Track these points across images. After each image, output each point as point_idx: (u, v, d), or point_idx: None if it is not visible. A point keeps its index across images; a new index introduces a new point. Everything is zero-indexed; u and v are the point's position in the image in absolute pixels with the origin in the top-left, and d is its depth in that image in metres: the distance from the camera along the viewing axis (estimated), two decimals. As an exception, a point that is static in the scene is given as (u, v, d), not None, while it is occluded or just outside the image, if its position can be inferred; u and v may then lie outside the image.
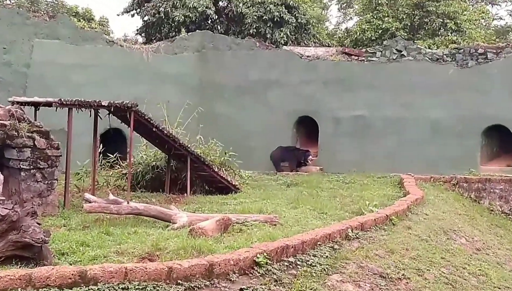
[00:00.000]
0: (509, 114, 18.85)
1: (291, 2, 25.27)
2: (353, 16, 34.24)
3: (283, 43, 24.68)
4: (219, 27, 26.02)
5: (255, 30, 25.05)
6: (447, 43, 23.87)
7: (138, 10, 27.58)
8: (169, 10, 25.67)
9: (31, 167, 11.58)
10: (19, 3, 24.18)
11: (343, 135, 20.67)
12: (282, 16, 25.06)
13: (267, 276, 7.81)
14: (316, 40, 27.22)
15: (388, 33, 25.56)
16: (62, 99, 12.60)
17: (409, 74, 20.13)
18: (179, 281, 6.96)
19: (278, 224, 11.02)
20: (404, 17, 26.18)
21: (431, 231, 12.13)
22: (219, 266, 7.38)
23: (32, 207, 8.36)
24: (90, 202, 11.64)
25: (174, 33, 25.46)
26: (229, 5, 26.22)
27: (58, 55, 20.50)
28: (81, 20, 25.95)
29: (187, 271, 7.08)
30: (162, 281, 6.85)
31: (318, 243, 9.17)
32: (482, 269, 11.31)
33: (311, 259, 8.66)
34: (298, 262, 8.43)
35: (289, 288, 7.79)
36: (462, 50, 20.07)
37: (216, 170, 15.66)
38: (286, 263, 8.26)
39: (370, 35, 26.05)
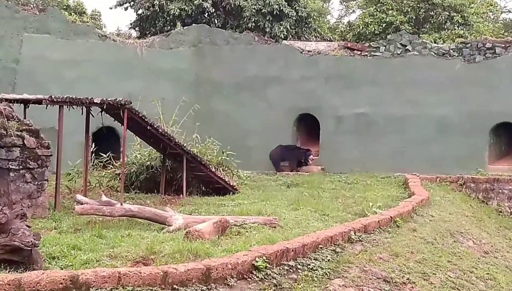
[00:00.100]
0: (518, 112, 18.91)
1: (291, -6, 25.30)
2: (356, 9, 34.25)
3: (282, 37, 24.69)
4: (216, 20, 26.01)
5: (253, 24, 25.06)
6: (454, 37, 23.90)
7: (132, 3, 27.56)
8: (164, 3, 25.68)
9: (21, 167, 11.56)
10: (8, -4, 24.18)
11: (345, 134, 20.68)
12: (282, 9, 25.07)
13: (266, 280, 7.82)
14: (317, 35, 27.23)
15: (392, 27, 25.59)
16: (53, 96, 12.60)
17: (414, 69, 20.13)
18: (174, 286, 6.96)
19: (278, 226, 11.02)
20: (409, 10, 26.20)
21: (437, 234, 12.14)
22: (216, 270, 7.39)
23: (22, 209, 8.36)
24: (82, 204, 11.63)
25: (169, 27, 25.47)
26: (226, -2, 26.24)
27: (49, 50, 20.47)
28: (72, 13, 25.97)
29: (183, 275, 7.09)
30: (157, 286, 6.85)
31: (320, 246, 9.18)
32: (490, 273, 11.32)
33: (312, 262, 8.67)
34: (299, 266, 8.43)
35: (289, 293, 7.80)
36: (469, 44, 20.08)
37: (213, 170, 15.66)
38: (286, 267, 8.26)
39: (373, 29, 26.07)
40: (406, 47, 20.49)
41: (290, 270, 8.28)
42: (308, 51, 21.65)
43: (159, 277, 6.90)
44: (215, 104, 21.89)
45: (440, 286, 9.78)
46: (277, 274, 8.02)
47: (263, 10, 25.03)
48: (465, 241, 12.62)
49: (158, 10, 25.94)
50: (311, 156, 20.60)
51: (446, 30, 25.89)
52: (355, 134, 20.59)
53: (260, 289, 7.61)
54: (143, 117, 14.02)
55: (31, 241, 7.70)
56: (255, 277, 7.75)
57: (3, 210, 7.81)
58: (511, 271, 12.09)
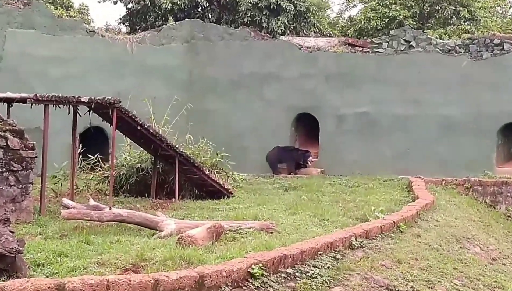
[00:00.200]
0: (528, 111, 18.95)
1: (289, -12, 25.32)
2: (357, 3, 34.24)
3: (280, 33, 24.72)
4: (210, 15, 26.07)
5: (249, 19, 25.09)
6: (460, 33, 23.96)
7: (122, -4, 27.60)
8: (156, -3, 25.70)
9: (4, 169, 11.54)
10: (-10, -11, 24.16)
11: (346, 134, 20.70)
12: (279, 4, 25.09)
13: (262, 288, 7.82)
14: (317, 30, 27.28)
15: (396, 22, 25.64)
16: (38, 95, 12.58)
17: (419, 67, 20.16)
18: (166, 294, 6.96)
19: (275, 231, 11.02)
20: (413, 4, 26.26)
21: (443, 239, 12.15)
22: (210, 278, 7.38)
23: (5, 214, 8.34)
24: (68, 208, 11.62)
25: (160, 22, 25.50)
26: (221, -9, 26.29)
27: (33, 46, 20.47)
28: (59, 7, 25.98)
29: (175, 283, 7.08)
30: (148, 294, 6.85)
31: (319, 252, 9.18)
32: (498, 280, 11.33)
33: (311, 270, 8.67)
34: (297, 274, 8.43)
35: (287, 302, 7.81)
36: (477, 40, 20.10)
37: (207, 172, 15.66)
38: (283, 275, 8.26)
39: (375, 24, 26.12)
40: (410, 44, 20.52)
41: (288, 278, 8.28)
42: (307, 47, 21.67)
43: (149, 285, 6.90)
44: (209, 103, 21.89)
45: (445, 295, 9.79)
46: (274, 282, 8.02)
47: (260, 4, 25.06)
48: (471, 247, 12.63)
49: (149, 4, 25.97)
50: (310, 158, 20.61)
51: (452, 26, 25.95)
52: (356, 135, 20.61)
53: (256, 298, 7.61)
54: (133, 117, 14.01)
55: (15, 248, 7.69)
56: (251, 286, 7.75)
57: (-15, 215, 7.79)
58: (520, 278, 12.11)
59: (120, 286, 6.74)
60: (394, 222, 11.73)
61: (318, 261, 8.98)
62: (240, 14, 25.35)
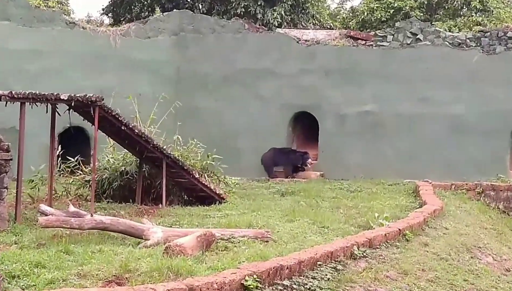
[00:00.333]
0: (544, 110, 19.00)
1: (286, -24, 25.34)
2: (360, -7, 34.33)
3: (276, 25, 24.72)
4: (200, 6, 26.06)
5: (243, 10, 25.08)
6: (471, 25, 23.98)
7: (104, -15, 27.59)
8: (141, -14, 25.70)
9: (-24, 172, 11.52)
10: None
11: (348, 135, 20.71)
12: (276, -7, 25.11)
13: (257, 302, 7.82)
14: (316, 22, 27.28)
15: (401, 13, 25.66)
16: (13, 92, 12.53)
17: (426, 62, 20.18)
18: (152, 309, 6.95)
19: (271, 240, 11.03)
20: (420, -6, 26.28)
21: (452, 249, 12.16)
22: (201, 290, 7.37)
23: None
24: (46, 215, 11.59)
25: (147, 13, 25.51)
26: (212, -20, 26.29)
27: (9, 39, 20.43)
28: (36, -3, 25.89)
29: (162, 297, 7.07)
30: (132, 309, 6.84)
31: (318, 262, 9.17)
32: (512, 293, 11.37)
33: (310, 282, 8.65)
34: (295, 286, 8.42)
35: (283, 316, 7.80)
36: (489, 33, 20.15)
37: (197, 176, 15.65)
38: (280, 287, 8.25)
39: (379, 15, 26.14)
40: (417, 36, 20.54)
41: (285, 290, 8.27)
42: (306, 40, 21.68)
43: (134, 298, 6.89)
44: (199, 101, 21.88)
45: (455, 309, 9.81)
46: (269, 295, 8.02)
47: (254, -6, 25.07)
48: (483, 257, 12.64)
49: (134, -6, 25.95)
50: (309, 160, 20.61)
51: (462, 17, 25.98)
52: (358, 135, 20.62)
53: (250, 312, 7.61)
54: (117, 116, 13.98)
55: (-12, 258, 7.67)
56: (245, 299, 7.75)
57: (-45, 222, 7.77)
58: (535, 291, 12.13)
59: (102, 300, 6.72)
60: (399, 229, 11.73)
61: (317, 272, 8.97)
62: (233, 5, 25.35)
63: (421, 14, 25.65)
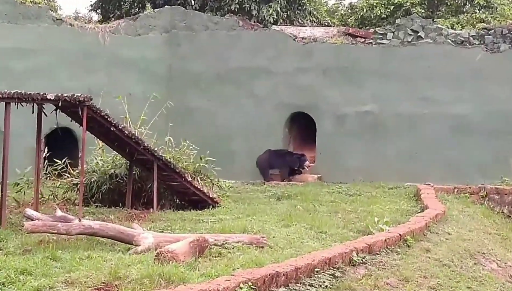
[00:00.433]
0: (550, 110, 19.04)
1: (282, -29, 25.32)
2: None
3: (272, 22, 24.70)
4: (193, 2, 26.02)
5: (237, 6, 25.06)
6: (474, 22, 24.00)
7: (93, -20, 27.56)
8: (131, -19, 25.68)
9: (-41, 176, 11.50)
10: None
11: (347, 136, 20.72)
12: (271, -11, 25.09)
13: (252, 310, 7.82)
14: (313, 19, 27.27)
15: (402, 10, 25.67)
16: (-2, 92, 12.54)
17: (428, 60, 20.21)
18: (143, 317, 6.96)
19: (266, 246, 11.03)
20: (422, -10, 26.30)
21: (455, 255, 12.17)
22: (193, 298, 7.38)
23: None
24: (32, 220, 11.57)
25: (137, 10, 25.45)
26: (205, -25, 26.25)
27: (-7, 36, 20.40)
28: (22, -7, 25.86)
29: (153, 305, 7.07)
30: (122, 318, 6.84)
31: (316, 269, 9.18)
32: (517, 300, 11.39)
33: (307, 289, 8.66)
34: (291, 294, 8.45)
35: (279, 325, 7.80)
36: (493, 30, 20.18)
37: (190, 179, 15.64)
38: (276, 295, 8.27)
39: (379, 12, 26.14)
40: (418, 34, 20.57)
41: (281, 298, 8.29)
42: (302, 38, 21.69)
43: (124, 307, 6.89)
44: (192, 101, 21.87)
45: (458, 317, 9.82)
46: (265, 303, 8.02)
47: (249, -10, 25.05)
48: (487, 264, 12.66)
49: (124, -11, 25.92)
50: (307, 163, 20.62)
51: (465, 14, 26.00)
52: (358, 136, 20.64)
53: (245, 321, 7.61)
54: (106, 117, 13.97)
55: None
56: (239, 307, 7.75)
57: None
58: (541, 298, 12.15)
59: (90, 308, 6.72)
60: (400, 235, 11.74)
61: (314, 279, 8.98)
62: (227, 1, 25.32)
63: (423, 10, 25.67)
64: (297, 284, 8.67)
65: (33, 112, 13.50)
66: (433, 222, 13.44)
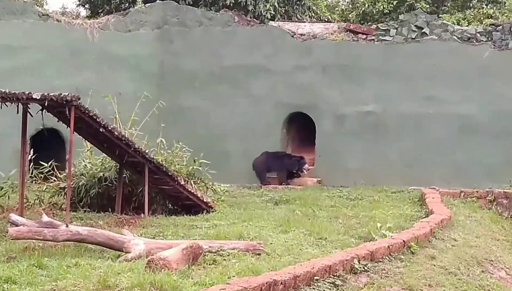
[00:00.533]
0: (561, 110, 19.07)
1: (280, -36, 25.34)
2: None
3: (269, 17, 24.73)
4: (186, -4, 26.01)
5: (233, 1, 25.07)
6: (482, 18, 24.04)
7: (81, -26, 27.57)
8: (121, -25, 25.69)
9: None
10: None
11: (347, 137, 20.72)
12: (268, -17, 25.11)
13: (248, 321, 7.82)
14: (313, 14, 27.31)
15: (406, 5, 25.74)
16: (-19, 91, 12.52)
17: (433, 58, 20.22)
18: (133, 328, 6.95)
19: (263, 253, 11.03)
20: (426, -16, 26.35)
21: (461, 262, 12.18)
22: (186, 308, 7.38)
23: None
24: (17, 225, 11.55)
25: (127, 5, 25.47)
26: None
27: (-24, 33, 20.39)
28: (6, -13, 25.85)
29: (144, 315, 7.06)
30: (112, 328, 6.83)
31: (316, 277, 9.18)
32: (527, 310, 11.39)
33: (306, 298, 8.68)
34: (289, 303, 8.45)
35: (277, 336, 7.80)
36: (501, 27, 20.20)
37: (183, 182, 15.63)
38: (273, 304, 8.27)
39: (382, 7, 26.21)
40: (423, 30, 20.58)
41: (279, 307, 8.29)
42: (301, 34, 21.70)
43: (114, 317, 6.88)
44: (185, 100, 21.88)
45: (464, 327, 9.83)
46: (262, 313, 8.02)
47: (245, -16, 25.06)
48: (495, 271, 12.67)
49: (113, -17, 25.92)
50: (306, 166, 20.62)
51: (472, 9, 26.06)
52: (359, 138, 20.64)
53: (240, 332, 7.61)
54: (95, 117, 13.96)
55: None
56: (235, 317, 7.76)
57: None
58: (552, 308, 12.16)
59: (78, 319, 6.71)
60: (404, 241, 11.75)
61: (314, 288, 8.98)
62: (222, -5, 25.34)
63: (427, 6, 25.73)
64: (296, 293, 8.69)
65: (17, 112, 13.47)
66: (438, 227, 13.45)
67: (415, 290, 10.25)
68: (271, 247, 11.51)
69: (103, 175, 16.14)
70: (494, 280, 12.10)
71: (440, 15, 23.43)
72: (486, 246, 13.90)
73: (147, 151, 15.39)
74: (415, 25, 20.67)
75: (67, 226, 11.70)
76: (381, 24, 22.09)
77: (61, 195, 16.03)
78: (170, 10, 22.72)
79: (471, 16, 25.24)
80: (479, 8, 25.92)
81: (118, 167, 15.79)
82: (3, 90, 12.69)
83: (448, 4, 27.07)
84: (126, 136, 15.13)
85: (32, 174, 16.84)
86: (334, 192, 18.68)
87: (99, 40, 21.90)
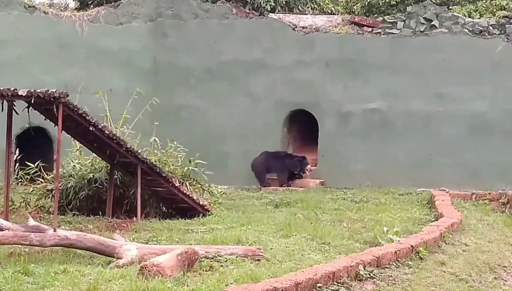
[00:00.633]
0: None
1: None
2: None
3: (269, 9, 24.71)
4: (181, -13, 26.00)
5: (230, -8, 25.07)
6: (494, 10, 24.03)
7: (69, -37, 27.56)
8: (112, -36, 25.66)
9: None
10: None
11: (352, 137, 20.72)
12: (268, -28, 25.11)
13: (247, 331, 7.82)
14: (315, 6, 27.31)
15: (414, -4, 25.70)
16: (-37, 87, 12.52)
17: (442, 52, 20.22)
18: (125, 338, 6.94)
19: (263, 258, 11.03)
20: (436, -27, 26.34)
21: (473, 268, 12.17)
22: (181, 317, 7.37)
23: None
24: (1, 230, 11.55)
25: (118, -4, 25.40)
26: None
27: (-42, 26, 20.39)
28: (-10, -23, 25.84)
29: (136, 324, 7.06)
30: (102, 339, 6.83)
31: (318, 284, 9.18)
32: (542, 319, 11.38)
33: (308, 307, 8.68)
34: (291, 312, 8.45)
35: None
36: (515, 19, 20.23)
37: (177, 184, 15.63)
38: (273, 313, 8.27)
39: (389, -2, 26.17)
40: (432, 23, 20.58)
41: (279, 316, 8.29)
42: (303, 27, 21.69)
43: (104, 326, 6.87)
44: (180, 97, 21.87)
45: (476, 338, 9.84)
46: (261, 323, 8.02)
47: (243, -26, 25.07)
48: (509, 278, 12.66)
49: (104, -27, 25.91)
50: (308, 166, 20.61)
51: (484, 1, 26.03)
52: (364, 137, 20.64)
53: None
54: (84, 115, 13.95)
55: None
56: (233, 327, 7.76)
57: None
58: None
59: (67, 328, 6.71)
60: (412, 246, 11.75)
61: (316, 296, 8.98)
62: (219, -14, 25.34)
63: (437, -4, 25.73)
64: (298, 301, 8.69)
65: (2, 109, 13.46)
66: (448, 231, 13.45)
67: (424, 298, 10.27)
68: (271, 253, 11.51)
69: (93, 176, 16.12)
70: (507, 287, 12.09)
71: (450, 7, 23.44)
72: (499, 251, 13.89)
73: (139, 151, 15.39)
74: (423, 17, 20.66)
75: (54, 230, 11.69)
76: (388, 16, 22.09)
77: (49, 197, 16.02)
78: (164, 1, 22.70)
79: (483, 8, 25.23)
80: (492, 0, 25.90)
81: (109, 168, 15.79)
82: (-14, 87, 12.71)
83: (459, -5, 27.08)
84: (118, 135, 15.13)
85: (17, 175, 16.85)
86: (338, 194, 18.68)
87: (88, 33, 21.88)
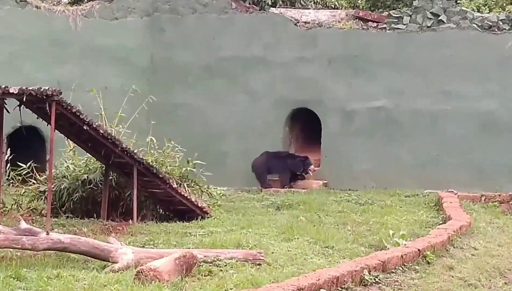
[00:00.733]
0: None
1: None
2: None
3: (270, 3, 24.69)
4: (178, -20, 26.00)
5: (230, -14, 25.06)
6: (504, 4, 24.02)
7: (62, -44, 27.54)
8: (107, -43, 25.65)
9: None
10: None
11: (356, 136, 20.72)
12: (269, -35, 25.10)
13: (248, 338, 7.82)
14: (318, 0, 27.28)
15: (420, -10, 25.70)
16: (-48, 85, 12.52)
17: (450, 48, 20.21)
18: None
19: (264, 263, 11.03)
20: (443, -34, 26.35)
21: (482, 273, 12.16)
22: (180, 324, 7.37)
23: None
24: (-8, 233, 11.56)
25: (114, -10, 25.38)
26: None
27: None
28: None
29: (133, 331, 7.05)
30: None
31: (322, 290, 9.16)
32: (554, 326, 11.38)
33: (311, 313, 8.68)
34: (293, 318, 8.44)
35: None
36: (525, 14, 20.23)
37: (175, 186, 15.63)
38: (275, 320, 8.27)
39: (394, -8, 26.16)
40: (439, 18, 20.58)
41: (281, 323, 8.28)
42: (305, 22, 21.69)
43: (99, 334, 6.87)
44: (177, 95, 21.87)
45: None
46: (263, 329, 8.02)
47: (243, -33, 25.07)
48: (520, 283, 12.66)
49: (98, -34, 25.90)
50: (311, 167, 20.60)
51: (494, -5, 26.05)
52: (369, 136, 20.65)
53: None
54: (78, 114, 13.94)
55: None
56: (233, 334, 7.75)
57: None
58: None
59: (60, 336, 6.70)
60: (419, 250, 11.75)
61: (320, 302, 8.98)
62: (218, -21, 25.33)
63: (444, -9, 25.73)
64: (300, 307, 8.68)
65: (-7, 108, 13.49)
66: (456, 235, 13.44)
67: (431, 303, 10.27)
68: (272, 257, 11.51)
69: (87, 177, 16.11)
70: (518, 293, 12.11)
71: (458, 1, 23.43)
72: (510, 255, 13.88)
73: (135, 151, 15.38)
74: (430, 12, 20.65)
75: (47, 233, 11.69)
76: (394, 11, 22.07)
77: (41, 199, 16.02)
78: (161, -5, 22.73)
79: (493, 2, 25.23)
80: (502, -6, 25.94)
81: (103, 169, 15.78)
82: (-23, 84, 12.72)
83: (467, -11, 27.08)
84: (113, 134, 15.12)
85: (9, 176, 16.82)
86: (341, 196, 18.68)
87: (82, 29, 21.88)
